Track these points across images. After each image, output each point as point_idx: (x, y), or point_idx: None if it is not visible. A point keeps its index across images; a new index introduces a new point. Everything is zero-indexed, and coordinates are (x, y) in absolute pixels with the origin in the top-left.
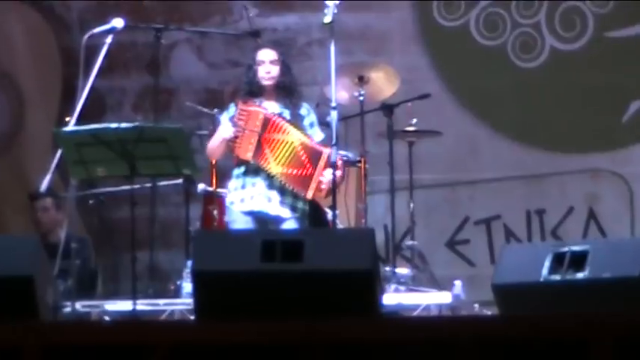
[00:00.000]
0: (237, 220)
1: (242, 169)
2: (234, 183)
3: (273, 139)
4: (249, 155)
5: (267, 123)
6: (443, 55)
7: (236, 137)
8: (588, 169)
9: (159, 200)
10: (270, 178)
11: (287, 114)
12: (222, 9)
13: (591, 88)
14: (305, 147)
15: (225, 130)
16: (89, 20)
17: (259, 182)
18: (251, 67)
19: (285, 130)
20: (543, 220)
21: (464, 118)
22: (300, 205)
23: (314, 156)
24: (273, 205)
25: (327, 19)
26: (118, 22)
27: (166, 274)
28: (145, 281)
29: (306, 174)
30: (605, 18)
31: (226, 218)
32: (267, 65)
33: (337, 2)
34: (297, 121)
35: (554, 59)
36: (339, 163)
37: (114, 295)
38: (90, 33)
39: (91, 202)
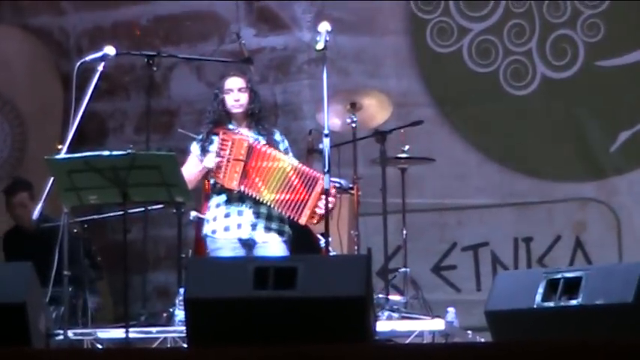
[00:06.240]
0: (224, 247)
1: (223, 197)
2: (213, 212)
3: (263, 167)
4: (234, 184)
5: (252, 151)
6: (436, 81)
7: (219, 167)
8: (576, 197)
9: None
10: (256, 206)
11: (262, 141)
12: (219, 28)
13: (581, 117)
14: (298, 172)
15: (207, 159)
16: (86, 46)
17: (246, 210)
18: (217, 95)
19: (273, 157)
20: (530, 248)
21: (455, 143)
22: (286, 229)
23: (308, 181)
24: (258, 232)
25: (320, 45)
26: (110, 50)
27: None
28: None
29: (299, 199)
30: (595, 47)
31: (209, 246)
32: (236, 93)
33: (329, 29)
34: (274, 147)
35: (546, 87)
36: (333, 191)
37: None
38: (81, 60)
39: (75, 230)
